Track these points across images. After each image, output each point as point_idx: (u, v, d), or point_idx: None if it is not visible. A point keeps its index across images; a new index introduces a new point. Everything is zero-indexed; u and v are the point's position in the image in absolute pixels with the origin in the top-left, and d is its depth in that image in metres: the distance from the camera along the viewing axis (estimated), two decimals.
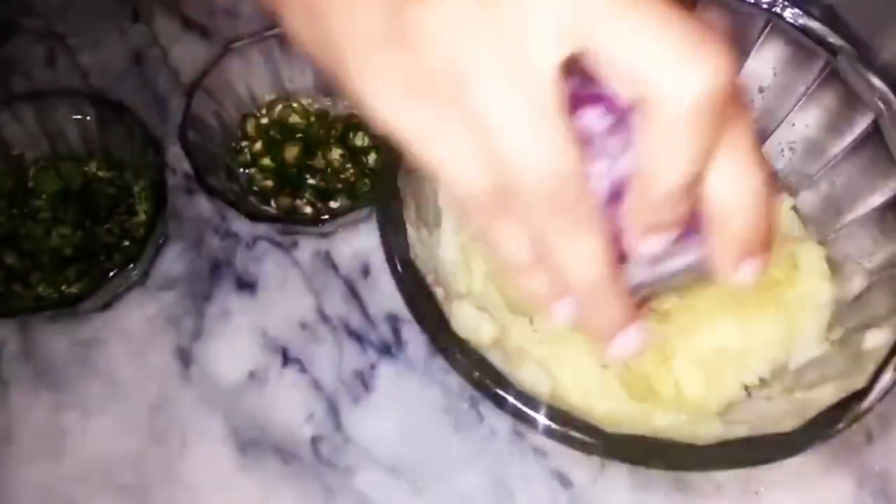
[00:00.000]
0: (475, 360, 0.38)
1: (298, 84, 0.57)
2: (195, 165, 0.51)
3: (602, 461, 0.49)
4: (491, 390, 0.38)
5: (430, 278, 0.41)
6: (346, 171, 0.55)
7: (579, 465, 0.49)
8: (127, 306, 0.53)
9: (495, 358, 0.39)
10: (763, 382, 0.46)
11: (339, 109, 0.57)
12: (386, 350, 0.52)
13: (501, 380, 0.38)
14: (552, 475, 0.49)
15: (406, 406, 0.50)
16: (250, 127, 0.56)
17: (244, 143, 0.56)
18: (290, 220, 0.53)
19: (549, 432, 0.37)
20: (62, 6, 0.63)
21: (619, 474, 0.48)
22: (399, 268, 0.40)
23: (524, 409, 0.37)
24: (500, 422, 0.50)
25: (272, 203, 0.55)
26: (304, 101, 0.57)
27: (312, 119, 0.57)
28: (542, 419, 0.37)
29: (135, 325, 0.52)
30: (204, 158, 0.52)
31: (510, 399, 0.37)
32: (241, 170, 0.56)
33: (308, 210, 0.55)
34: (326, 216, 0.52)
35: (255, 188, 0.55)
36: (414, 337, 0.52)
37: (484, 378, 0.38)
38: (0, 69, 0.61)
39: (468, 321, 0.43)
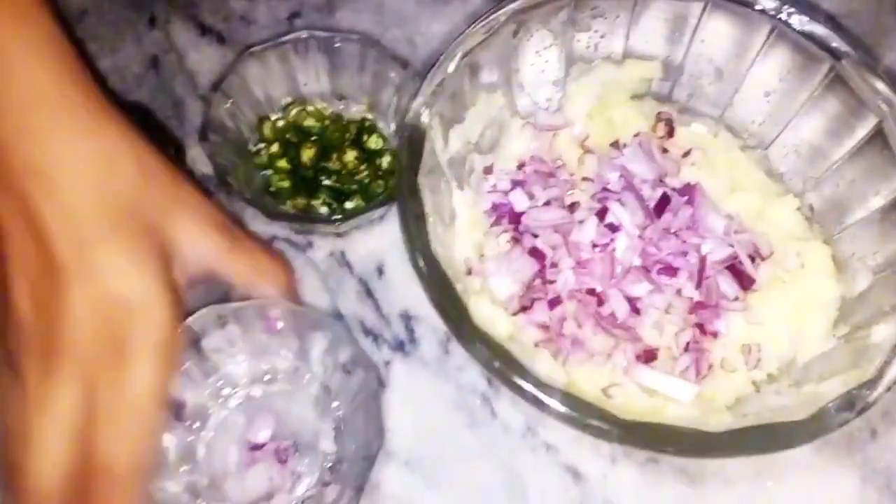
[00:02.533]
0: (495, 350, 0.39)
1: (313, 88, 0.58)
2: (215, 166, 0.52)
3: (613, 456, 0.50)
4: (511, 379, 0.39)
5: (448, 273, 0.42)
6: (361, 173, 0.57)
7: (591, 460, 0.50)
8: None
9: (513, 350, 0.41)
10: (771, 377, 0.47)
11: (352, 113, 0.59)
12: (400, 347, 0.53)
13: (521, 370, 0.39)
14: (564, 470, 0.50)
15: (420, 402, 0.51)
16: (267, 129, 0.57)
17: (261, 145, 0.57)
18: (306, 219, 0.54)
19: (566, 419, 0.38)
20: (80, 13, 0.64)
21: (629, 468, 0.49)
22: (420, 261, 0.41)
23: (543, 397, 0.38)
24: (513, 418, 0.51)
25: (288, 204, 0.56)
26: (319, 105, 0.59)
27: (327, 122, 0.58)
28: (559, 407, 0.38)
29: None
30: (222, 160, 0.53)
31: (529, 388, 0.39)
32: (258, 171, 0.57)
33: (324, 210, 0.56)
34: (340, 216, 0.53)
35: (271, 189, 0.56)
36: (427, 334, 0.53)
37: (504, 368, 0.39)
38: None
39: (484, 316, 0.44)
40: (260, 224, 0.56)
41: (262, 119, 0.57)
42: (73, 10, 0.64)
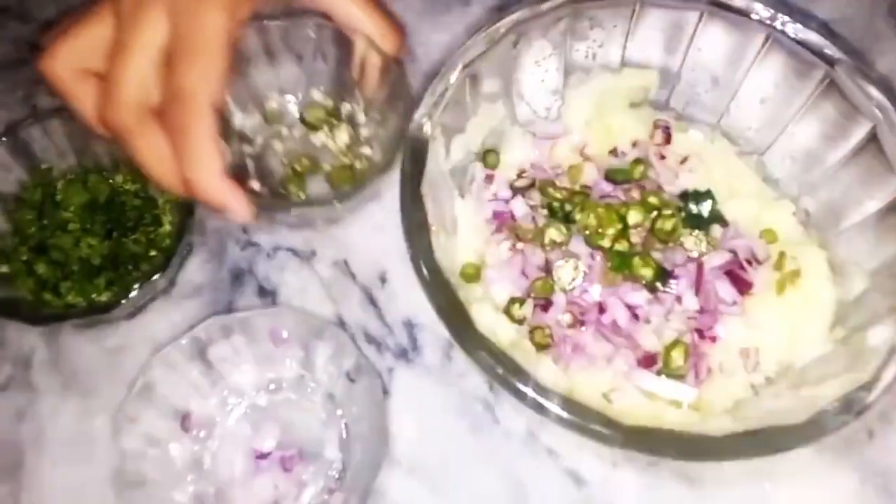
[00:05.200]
0: (498, 356, 0.40)
1: (315, 78, 0.59)
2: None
3: (614, 461, 0.50)
4: (513, 385, 0.39)
5: (451, 280, 0.43)
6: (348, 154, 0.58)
7: (592, 465, 0.50)
8: (153, 314, 0.54)
9: (516, 357, 0.41)
10: (770, 381, 0.48)
11: (348, 111, 0.59)
12: (403, 355, 0.53)
13: (523, 375, 0.40)
14: (566, 474, 0.50)
15: (423, 409, 0.52)
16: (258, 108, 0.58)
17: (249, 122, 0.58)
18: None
19: (568, 424, 0.39)
20: None
21: (630, 473, 0.50)
22: (423, 268, 0.42)
23: (545, 402, 0.39)
24: (514, 423, 0.51)
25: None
26: (317, 96, 0.59)
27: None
28: (561, 412, 0.39)
29: (160, 332, 0.53)
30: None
31: (531, 393, 0.39)
32: (235, 144, 0.57)
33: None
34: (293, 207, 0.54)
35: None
36: (430, 342, 0.54)
37: (506, 374, 0.39)
38: (25, 88, 0.62)
39: (486, 323, 0.45)
40: (264, 234, 0.57)
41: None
42: None
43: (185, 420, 0.49)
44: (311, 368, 0.51)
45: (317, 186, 0.58)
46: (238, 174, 0.52)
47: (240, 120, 0.57)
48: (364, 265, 0.56)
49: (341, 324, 0.54)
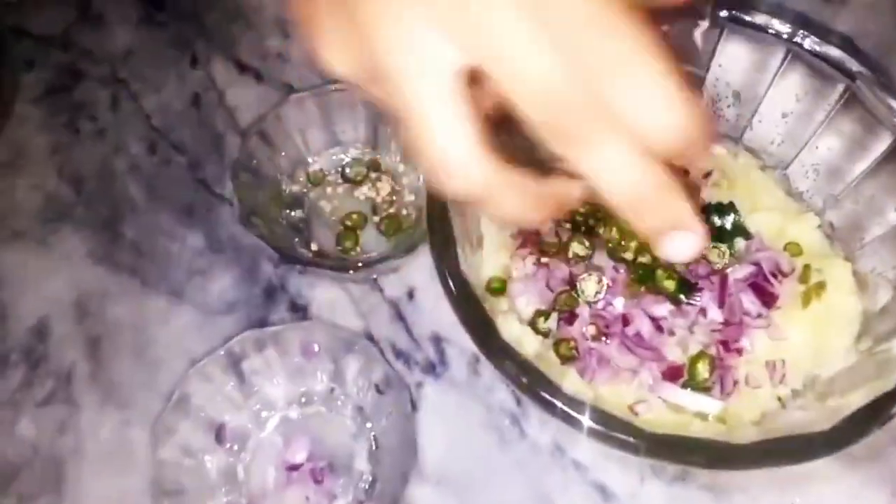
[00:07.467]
0: (524, 366, 0.40)
1: (350, 136, 0.61)
2: (241, 204, 0.55)
3: (641, 475, 0.50)
4: (539, 394, 0.40)
5: (478, 294, 0.44)
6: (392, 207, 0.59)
7: (619, 479, 0.50)
8: (190, 330, 0.56)
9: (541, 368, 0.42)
10: (796, 393, 0.48)
11: (388, 163, 0.61)
12: (431, 369, 0.54)
13: (550, 386, 0.40)
14: (593, 488, 0.50)
15: (451, 422, 0.53)
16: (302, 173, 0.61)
17: (295, 188, 0.61)
18: (316, 265, 0.56)
19: (595, 434, 0.39)
20: (125, 54, 0.68)
21: (657, 487, 0.50)
22: (450, 281, 0.43)
23: (571, 412, 0.39)
24: (541, 437, 0.52)
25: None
26: (354, 153, 0.62)
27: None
28: (588, 422, 0.39)
29: (196, 347, 0.55)
30: (251, 198, 0.56)
31: (558, 403, 0.40)
32: (286, 211, 0.59)
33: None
34: (359, 263, 0.56)
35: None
36: (457, 356, 0.55)
37: (532, 384, 0.40)
38: (69, 112, 0.65)
39: (512, 335, 0.46)
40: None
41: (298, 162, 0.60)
42: (118, 52, 0.68)
43: (219, 432, 0.50)
44: (341, 382, 0.52)
45: (369, 238, 0.59)
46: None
47: (287, 186, 0.60)
48: (392, 280, 0.57)
49: (370, 339, 0.55)
